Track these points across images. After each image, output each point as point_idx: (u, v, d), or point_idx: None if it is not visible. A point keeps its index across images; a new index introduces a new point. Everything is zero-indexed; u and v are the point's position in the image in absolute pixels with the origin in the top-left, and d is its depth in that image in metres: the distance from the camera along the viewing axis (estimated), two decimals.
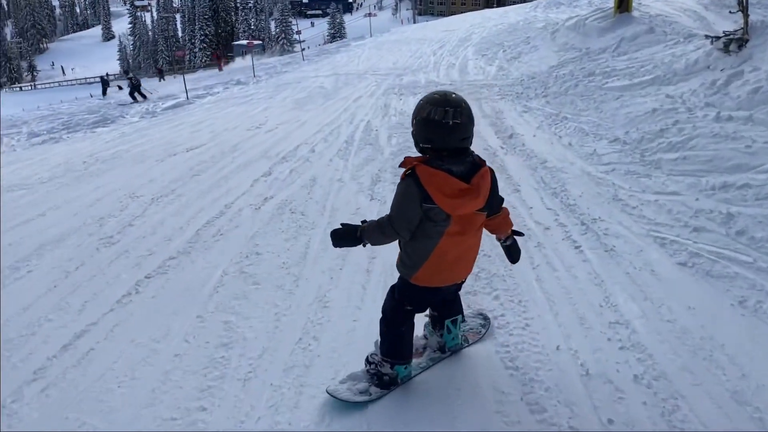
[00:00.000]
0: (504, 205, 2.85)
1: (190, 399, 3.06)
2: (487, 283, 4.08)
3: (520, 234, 3.01)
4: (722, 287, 3.74)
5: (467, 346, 3.31)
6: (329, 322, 3.72)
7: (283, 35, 78.09)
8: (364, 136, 9.16)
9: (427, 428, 2.71)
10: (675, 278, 3.91)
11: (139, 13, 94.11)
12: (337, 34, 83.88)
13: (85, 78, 77.73)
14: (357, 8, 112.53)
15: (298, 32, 39.77)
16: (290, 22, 79.13)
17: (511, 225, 2.92)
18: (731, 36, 7.65)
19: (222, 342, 3.56)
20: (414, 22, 66.93)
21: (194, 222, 5.74)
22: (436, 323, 3.14)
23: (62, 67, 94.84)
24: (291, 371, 3.22)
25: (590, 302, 3.71)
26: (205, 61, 73.49)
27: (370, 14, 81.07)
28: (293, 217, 5.70)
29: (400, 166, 2.55)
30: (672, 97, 7.28)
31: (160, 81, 40.99)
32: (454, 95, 2.44)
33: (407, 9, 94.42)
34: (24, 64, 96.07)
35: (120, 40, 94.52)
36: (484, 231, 2.83)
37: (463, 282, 2.98)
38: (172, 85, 30.08)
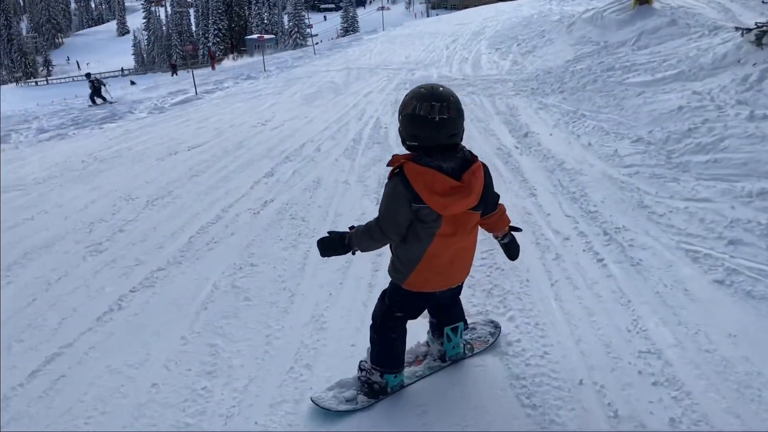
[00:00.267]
0: (502, 202, 2.73)
1: None
2: (500, 301, 3.69)
3: (518, 230, 2.89)
4: (767, 311, 3.32)
5: (471, 355, 3.09)
6: (325, 346, 3.36)
7: (296, 29, 77.67)
8: (372, 134, 8.78)
9: None
10: (711, 299, 3.49)
11: (153, 8, 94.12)
12: (350, 27, 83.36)
13: (100, 73, 78.03)
14: (370, 2, 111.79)
15: (310, 26, 39.24)
16: (303, 15, 78.67)
17: (509, 222, 2.79)
18: (765, 28, 7.17)
19: (205, 370, 3.21)
20: (427, 16, 66.35)
21: (188, 228, 5.40)
22: (435, 330, 2.99)
23: (77, 61, 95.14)
24: (279, 407, 2.86)
25: (616, 326, 3.32)
26: (219, 55, 73.39)
27: (383, 8, 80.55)
28: (293, 223, 5.34)
29: (388, 164, 2.40)
30: (699, 93, 6.82)
31: (172, 76, 40.79)
32: (441, 88, 2.30)
33: (420, 2, 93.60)
34: (39, 59, 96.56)
35: (134, 35, 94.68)
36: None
37: (460, 286, 2.82)
38: (186, 79, 29.77)
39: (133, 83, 44.96)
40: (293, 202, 5.90)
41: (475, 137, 8.05)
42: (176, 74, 41.19)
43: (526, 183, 5.87)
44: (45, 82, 73.54)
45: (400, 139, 2.45)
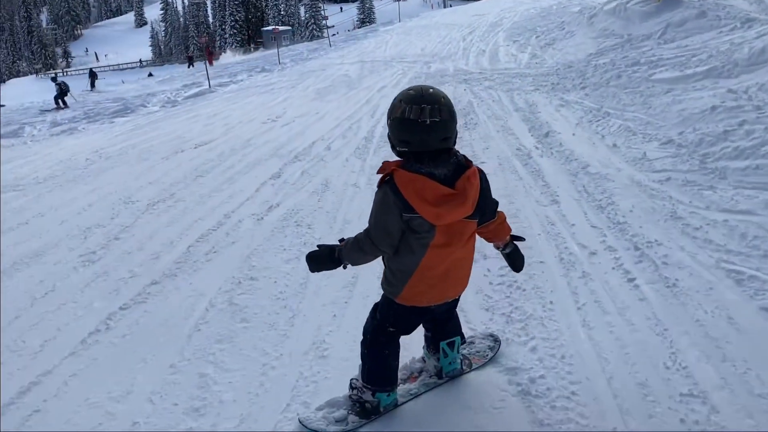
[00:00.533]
0: (500, 215, 2.57)
1: None
2: (521, 327, 3.33)
3: (521, 239, 2.73)
4: None
5: (469, 371, 2.93)
6: (326, 379, 3.03)
7: (312, 21, 77.25)
8: (385, 133, 8.40)
9: None
10: (760, 330, 3.10)
11: (170, 0, 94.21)
12: (366, 19, 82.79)
13: (118, 64, 78.40)
14: None
15: (325, 18, 38.83)
16: (319, 7, 78.21)
17: (509, 231, 2.64)
18: None
19: (192, 406, 2.89)
20: (443, 7, 65.60)
21: (187, 236, 5.10)
22: (431, 345, 2.84)
23: (96, 53, 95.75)
24: None
25: (652, 361, 2.94)
26: (236, 47, 73.31)
27: None
28: (298, 231, 5.01)
29: (378, 171, 2.26)
30: (735, 92, 6.37)
31: (189, 68, 40.56)
32: (431, 90, 2.17)
33: None
34: (59, 51, 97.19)
35: (152, 27, 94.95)
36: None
37: (456, 299, 2.67)
38: (201, 71, 29.56)
39: (150, 75, 44.99)
40: (299, 207, 5.58)
41: (493, 136, 7.68)
42: (193, 66, 40.94)
43: (548, 188, 5.49)
44: (63, 74, 73.92)
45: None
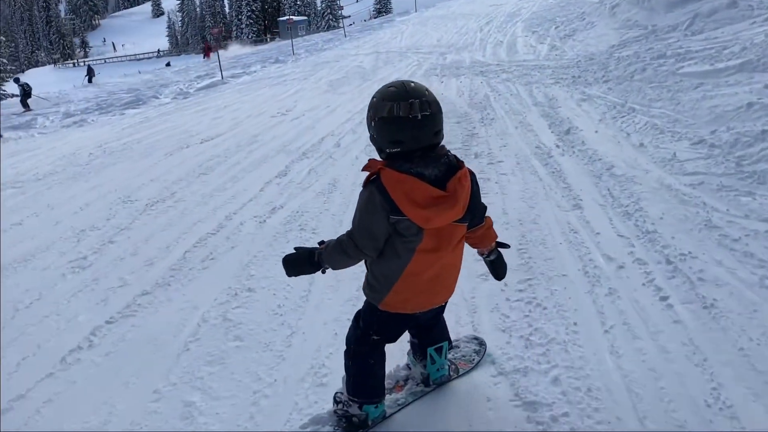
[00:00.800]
0: (487, 221, 2.46)
1: None
2: (542, 353, 2.99)
3: (506, 246, 2.62)
4: None
5: (456, 377, 2.82)
6: (323, 410, 2.71)
7: (328, 10, 76.66)
8: None
9: None
10: None
11: None
12: (382, 9, 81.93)
13: (135, 54, 78.62)
14: None
15: (341, 8, 38.33)
16: None
17: (495, 237, 2.54)
18: None
19: None
20: None
21: (185, 239, 4.81)
22: (417, 352, 2.71)
23: (113, 43, 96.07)
24: None
25: (691, 397, 2.60)
26: (252, 37, 73.12)
27: None
28: (302, 236, 4.70)
29: (364, 169, 2.12)
30: None
31: (204, 58, 40.28)
32: (413, 84, 2.07)
33: None
34: (77, 41, 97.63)
35: (169, 17, 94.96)
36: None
37: (443, 306, 2.55)
38: (215, 62, 29.36)
39: (168, 64, 44.94)
40: (304, 210, 5.27)
41: (511, 133, 7.31)
42: (208, 57, 40.60)
43: (570, 191, 5.13)
44: (83, 64, 74.28)
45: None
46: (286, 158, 7.07)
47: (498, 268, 2.60)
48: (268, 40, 64.83)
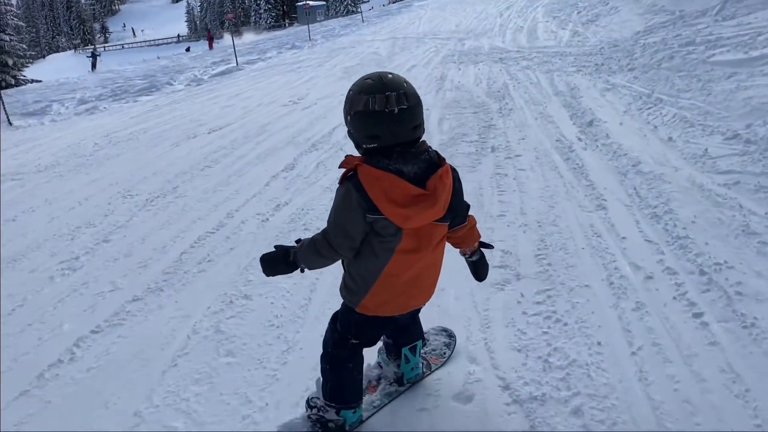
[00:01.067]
0: (470, 220, 2.35)
1: None
2: (562, 378, 2.69)
3: (489, 246, 2.51)
4: None
5: (429, 373, 2.75)
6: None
7: None
8: None
9: None
10: None
11: None
12: None
13: (154, 39, 78.82)
14: None
15: None
16: None
17: (479, 237, 2.44)
18: None
19: None
20: None
21: (182, 239, 4.56)
22: (391, 351, 2.65)
23: (133, 28, 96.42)
24: None
25: None
26: (270, 22, 72.91)
27: None
28: (306, 237, 4.41)
29: (340, 166, 2.05)
30: None
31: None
32: (390, 75, 1.98)
33: None
34: (97, 26, 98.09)
35: (188, 2, 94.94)
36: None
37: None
38: (234, 47, 29.12)
39: (188, 49, 44.85)
40: (310, 207, 4.99)
41: (530, 124, 6.96)
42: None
43: (593, 189, 4.79)
44: (103, 49, 74.63)
45: (357, 141, 2.04)
46: (295, 150, 6.79)
47: (480, 269, 2.50)
48: (287, 25, 64.49)
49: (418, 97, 2.00)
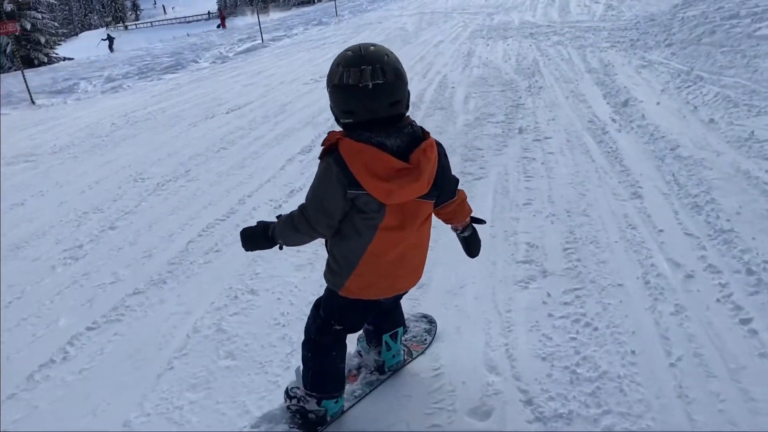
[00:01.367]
0: (460, 194, 2.30)
1: None
2: (591, 392, 2.41)
3: (481, 221, 2.46)
4: None
5: (410, 361, 2.68)
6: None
7: None
8: (436, 97, 7.47)
9: None
10: None
11: None
12: None
13: (185, 17, 78.90)
14: None
15: None
16: None
17: (470, 212, 2.38)
18: None
19: None
20: None
21: (191, 226, 4.37)
22: (372, 339, 2.58)
23: (164, 6, 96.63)
24: None
25: None
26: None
27: None
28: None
29: (323, 142, 1.95)
30: None
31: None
32: (372, 47, 1.88)
33: None
34: (128, 4, 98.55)
35: None
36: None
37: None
38: (265, 24, 28.84)
39: (219, 26, 44.78)
40: None
41: (561, 103, 6.60)
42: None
43: (628, 175, 4.46)
44: (134, 27, 75.01)
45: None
46: (313, 131, 6.55)
47: (471, 246, 2.45)
48: (316, 1, 63.96)
49: (400, 71, 1.88)
